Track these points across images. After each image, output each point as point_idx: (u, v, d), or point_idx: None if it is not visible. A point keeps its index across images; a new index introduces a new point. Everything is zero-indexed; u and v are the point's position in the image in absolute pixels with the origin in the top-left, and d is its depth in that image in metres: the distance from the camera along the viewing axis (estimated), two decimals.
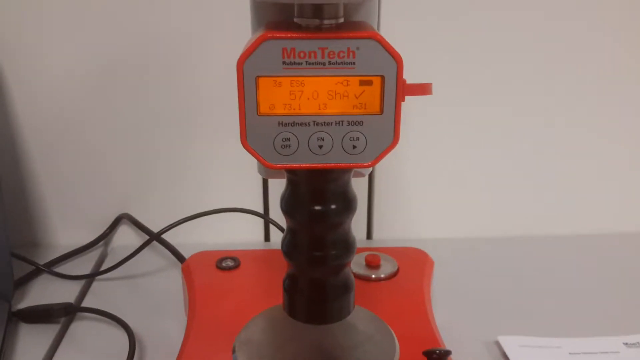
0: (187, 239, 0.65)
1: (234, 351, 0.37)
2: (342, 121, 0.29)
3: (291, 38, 0.28)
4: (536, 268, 0.67)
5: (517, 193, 0.72)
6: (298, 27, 0.29)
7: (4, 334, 0.52)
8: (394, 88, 0.29)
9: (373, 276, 0.51)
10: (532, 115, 0.68)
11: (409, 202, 0.70)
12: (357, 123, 0.29)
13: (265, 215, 0.65)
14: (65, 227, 0.69)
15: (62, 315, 0.55)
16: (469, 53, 0.64)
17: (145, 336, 0.53)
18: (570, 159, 0.71)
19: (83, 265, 0.66)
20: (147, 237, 0.63)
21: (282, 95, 0.29)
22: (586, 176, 0.72)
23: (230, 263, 0.53)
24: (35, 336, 0.53)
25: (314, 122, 0.29)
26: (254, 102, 0.29)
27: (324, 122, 0.29)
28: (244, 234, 0.69)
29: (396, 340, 0.37)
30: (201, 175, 0.68)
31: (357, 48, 0.28)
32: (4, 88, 0.64)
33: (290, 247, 0.34)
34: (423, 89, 0.30)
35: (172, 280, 0.63)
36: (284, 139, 0.30)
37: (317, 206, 0.32)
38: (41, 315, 0.55)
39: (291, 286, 0.34)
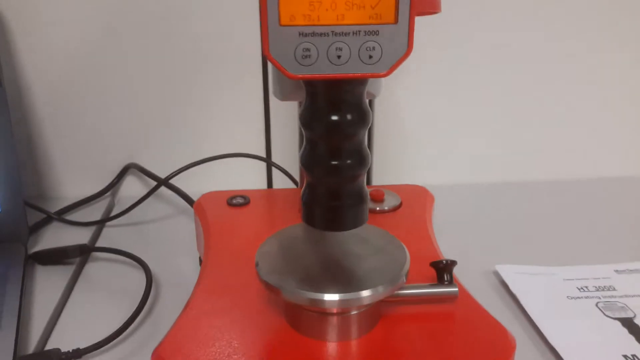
0: (193, 186, 0.68)
1: (257, 264, 0.39)
2: (359, 31, 0.31)
3: None
4: (531, 208, 0.70)
5: (510, 140, 0.74)
6: None
7: (22, 274, 0.54)
8: None
9: (377, 208, 0.54)
10: (525, 70, 0.70)
11: (405, 150, 0.73)
12: (373, 33, 0.31)
13: (268, 159, 0.67)
14: (73, 178, 0.71)
15: (77, 255, 0.57)
16: None
17: (159, 273, 0.55)
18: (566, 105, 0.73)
19: (92, 213, 0.68)
20: (154, 185, 0.65)
21: (302, 6, 0.31)
22: (579, 123, 0.74)
23: (240, 200, 0.55)
24: (51, 277, 0.55)
25: (332, 32, 0.31)
26: (276, 13, 0.31)
27: (342, 32, 0.31)
28: (248, 180, 0.71)
29: (407, 252, 0.39)
30: (205, 123, 0.69)
31: None
32: (10, 41, 0.65)
33: (308, 158, 0.36)
34: (433, 5, 0.32)
35: (182, 223, 0.65)
36: (304, 49, 0.32)
37: (334, 116, 0.34)
38: (57, 255, 0.57)
39: (310, 196, 0.36)
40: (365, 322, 0.39)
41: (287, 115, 0.69)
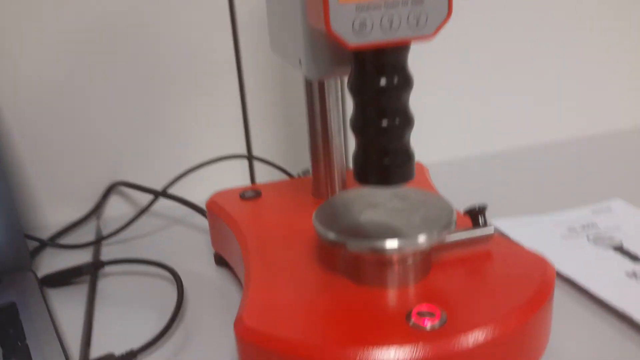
0: (184, 194, 0.68)
1: (317, 227, 0.42)
2: (407, 2, 0.35)
3: None
4: (511, 172, 0.77)
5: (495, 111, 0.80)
6: None
7: (43, 297, 0.53)
8: None
9: None
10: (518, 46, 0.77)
11: None
12: (418, 2, 0.35)
13: (251, 156, 0.69)
14: (55, 205, 0.70)
15: (90, 271, 0.57)
16: None
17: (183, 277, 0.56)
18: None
19: (82, 237, 0.67)
20: (139, 208, 0.65)
21: None
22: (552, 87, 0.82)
23: (252, 194, 0.57)
24: (67, 297, 0.55)
25: (384, 3, 0.35)
26: None
27: (392, 3, 0.35)
28: (235, 179, 0.72)
29: (448, 201, 0.44)
30: (186, 131, 0.70)
31: None
32: None
33: (359, 121, 0.39)
34: None
35: (181, 230, 0.66)
36: (360, 22, 0.35)
37: (383, 80, 0.37)
38: (69, 276, 0.57)
39: (362, 156, 0.40)
40: (422, 267, 0.42)
41: (265, 114, 0.71)
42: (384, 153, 0.39)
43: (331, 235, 0.41)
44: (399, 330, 0.37)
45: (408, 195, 0.46)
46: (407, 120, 0.39)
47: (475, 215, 0.45)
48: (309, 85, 0.52)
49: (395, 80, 0.38)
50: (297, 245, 0.48)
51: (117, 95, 0.67)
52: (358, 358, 0.35)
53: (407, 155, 0.40)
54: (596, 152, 0.81)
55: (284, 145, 0.73)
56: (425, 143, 0.79)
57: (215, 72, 0.69)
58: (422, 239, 0.40)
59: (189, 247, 0.62)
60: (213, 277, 0.56)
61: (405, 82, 0.38)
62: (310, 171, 0.64)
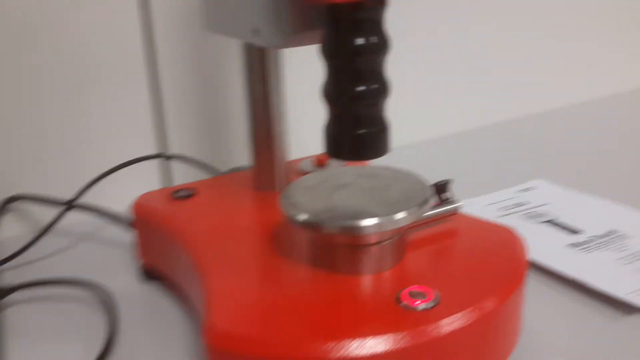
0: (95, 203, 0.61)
1: (286, 210, 0.38)
2: None
3: None
4: (439, 161, 0.77)
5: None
6: None
7: None
8: None
9: None
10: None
11: None
12: None
13: (167, 154, 0.63)
14: None
15: None
16: None
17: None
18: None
19: None
20: (40, 225, 0.57)
21: None
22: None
23: (186, 193, 0.52)
24: None
25: None
26: None
27: None
28: (152, 186, 0.66)
29: (421, 177, 0.42)
30: (91, 138, 0.63)
31: None
32: None
33: (332, 88, 0.36)
34: None
35: (99, 244, 0.59)
36: None
37: (359, 40, 0.35)
38: None
39: (335, 127, 0.36)
40: (400, 248, 0.40)
41: (183, 110, 0.66)
42: (359, 122, 0.36)
43: (306, 217, 0.37)
44: (391, 314, 0.34)
45: (375, 173, 0.43)
46: (384, 86, 0.37)
47: (441, 190, 0.44)
48: (248, 68, 0.48)
49: (374, 39, 0.35)
50: (253, 240, 0.44)
51: (7, 97, 0.58)
52: (356, 348, 0.32)
53: (383, 124, 0.37)
54: (512, 136, 0.84)
55: (205, 142, 0.68)
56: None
57: (124, 65, 0.62)
58: (403, 215, 0.37)
59: (107, 263, 0.55)
60: (143, 294, 0.50)
61: (384, 42, 0.36)
62: (243, 168, 0.60)
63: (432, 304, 0.34)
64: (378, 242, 0.38)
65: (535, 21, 0.89)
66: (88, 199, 0.61)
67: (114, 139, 0.63)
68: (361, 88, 0.36)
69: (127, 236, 0.59)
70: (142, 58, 0.62)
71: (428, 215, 0.43)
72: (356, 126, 0.37)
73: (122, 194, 0.64)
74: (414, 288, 0.35)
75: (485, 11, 0.84)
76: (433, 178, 0.46)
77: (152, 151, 0.65)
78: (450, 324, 0.33)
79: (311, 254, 0.40)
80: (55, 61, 0.59)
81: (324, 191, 0.41)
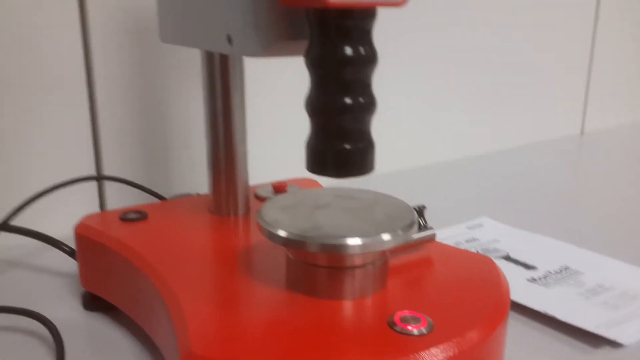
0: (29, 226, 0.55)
1: (264, 227, 0.35)
2: None
3: None
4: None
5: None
6: None
7: None
8: None
9: None
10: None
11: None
12: None
13: (101, 176, 0.59)
14: None
15: None
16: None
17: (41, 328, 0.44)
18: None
19: None
20: None
21: None
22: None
23: (136, 215, 0.48)
24: None
25: None
26: None
27: None
28: (84, 210, 0.61)
29: (403, 201, 0.40)
30: (23, 157, 0.58)
31: None
32: None
33: (318, 99, 0.34)
34: None
35: (29, 271, 0.53)
36: None
37: (348, 49, 0.33)
38: None
39: (319, 141, 0.34)
40: (384, 272, 0.38)
41: (121, 130, 0.62)
42: (345, 136, 0.35)
43: (289, 234, 0.35)
44: (386, 340, 0.32)
45: (354, 195, 0.41)
46: (371, 100, 0.35)
47: (419, 215, 0.43)
48: (209, 83, 0.46)
49: (362, 50, 0.34)
50: (219, 263, 0.40)
51: None
52: None
53: (369, 140, 0.36)
54: (461, 174, 0.85)
55: (144, 166, 0.63)
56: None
57: (60, 81, 0.58)
58: (390, 237, 0.35)
59: (46, 291, 0.49)
60: (88, 324, 0.45)
61: (373, 54, 0.35)
62: (189, 195, 0.56)
63: (426, 330, 0.32)
64: (362, 265, 0.36)
65: (486, 67, 0.93)
66: (20, 221, 0.55)
67: (50, 160, 0.58)
68: (348, 100, 0.34)
69: (64, 263, 0.54)
70: (82, 76, 0.58)
71: (411, 239, 0.41)
72: (342, 141, 0.35)
73: (55, 216, 0.58)
74: (405, 313, 0.33)
75: (444, 56, 0.86)
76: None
77: (86, 173, 0.60)
78: (448, 349, 0.31)
79: (289, 276, 0.37)
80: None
81: (303, 210, 0.38)
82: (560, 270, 0.55)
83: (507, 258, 0.58)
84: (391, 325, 0.33)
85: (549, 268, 0.56)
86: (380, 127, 0.82)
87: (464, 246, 0.60)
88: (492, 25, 0.91)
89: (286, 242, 0.35)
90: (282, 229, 0.35)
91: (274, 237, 0.35)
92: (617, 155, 1.00)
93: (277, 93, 0.71)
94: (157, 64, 0.62)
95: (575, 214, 0.72)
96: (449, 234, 0.64)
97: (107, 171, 0.60)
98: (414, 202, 0.74)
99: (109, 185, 0.61)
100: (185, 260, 0.40)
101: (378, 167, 0.84)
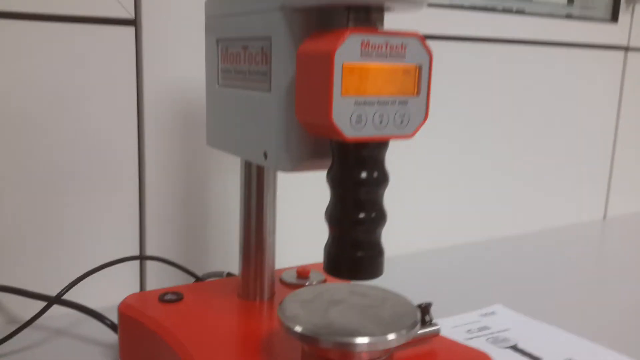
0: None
1: (285, 322, 0.40)
2: (395, 101, 0.38)
3: (368, 33, 0.36)
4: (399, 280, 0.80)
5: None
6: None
7: None
8: (427, 76, 0.39)
9: (307, 283, 0.57)
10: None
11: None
12: (403, 103, 0.38)
13: (144, 256, 0.65)
14: None
15: None
16: None
17: None
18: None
19: None
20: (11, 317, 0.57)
21: (355, 81, 0.36)
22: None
23: (173, 296, 0.53)
24: None
25: (377, 102, 0.37)
26: (339, 85, 0.36)
27: (384, 102, 0.38)
28: (126, 286, 0.67)
29: (408, 298, 0.45)
30: (73, 235, 0.64)
31: (407, 44, 0.38)
32: None
33: (336, 212, 0.39)
34: None
35: (74, 340, 0.58)
36: (357, 116, 0.37)
37: (363, 174, 0.39)
38: None
39: (336, 248, 0.40)
40: None
41: (166, 214, 0.68)
42: (358, 246, 0.40)
43: (304, 330, 0.40)
44: None
45: (366, 292, 0.46)
46: (382, 215, 0.40)
47: (423, 312, 0.47)
48: (246, 184, 0.52)
49: (375, 174, 0.40)
50: (244, 348, 0.45)
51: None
52: None
53: (379, 249, 0.41)
54: (480, 258, 0.89)
55: (183, 247, 0.69)
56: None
57: (115, 170, 0.65)
58: (395, 337, 0.40)
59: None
60: None
61: (384, 177, 0.40)
62: (220, 274, 0.62)
63: None
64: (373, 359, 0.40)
65: (507, 149, 0.97)
66: (70, 294, 0.61)
67: (100, 240, 0.65)
68: (362, 215, 0.39)
69: (105, 334, 0.59)
70: (134, 165, 0.65)
71: (415, 336, 0.45)
72: (355, 249, 0.40)
73: (101, 290, 0.65)
74: None
75: (465, 138, 0.92)
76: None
77: (131, 253, 0.66)
78: None
79: None
80: (51, 160, 0.61)
81: (319, 306, 0.43)
82: None
83: (515, 348, 0.61)
84: None
85: None
86: (399, 207, 0.87)
87: (475, 334, 0.64)
88: (515, 107, 0.97)
89: (302, 337, 0.40)
90: (299, 325, 0.40)
91: (291, 333, 0.40)
92: (639, 241, 1.03)
93: (308, 183, 0.77)
94: (203, 160, 0.69)
95: (592, 304, 0.74)
96: (462, 321, 0.67)
97: (149, 252, 0.66)
98: (429, 286, 0.78)
99: (149, 265, 0.67)
100: (214, 343, 0.45)
101: (399, 249, 0.89)
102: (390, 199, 0.84)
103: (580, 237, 1.04)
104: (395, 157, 0.84)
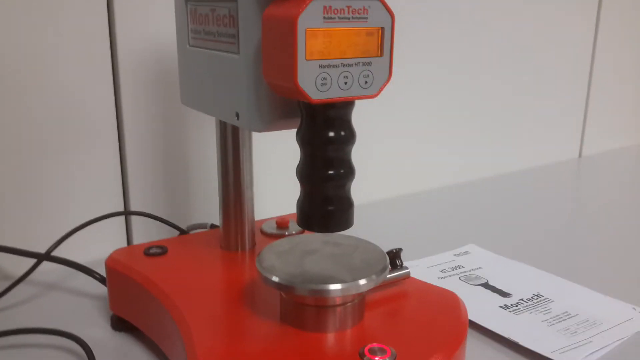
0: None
1: (262, 271, 0.43)
2: (359, 62, 0.40)
3: None
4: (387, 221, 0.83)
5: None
6: None
7: None
8: (390, 37, 0.40)
9: (286, 233, 0.60)
10: None
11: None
12: (367, 64, 0.40)
13: (129, 211, 0.67)
14: None
15: None
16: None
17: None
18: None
19: None
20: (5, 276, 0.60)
21: (319, 44, 0.38)
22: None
23: (158, 250, 0.56)
24: None
25: (341, 64, 0.39)
26: (304, 50, 0.37)
27: (348, 64, 0.39)
28: (114, 240, 0.69)
29: (378, 246, 0.48)
30: (59, 192, 0.66)
31: (369, 6, 0.39)
32: None
33: (307, 170, 0.42)
34: None
35: (65, 293, 0.61)
36: (322, 79, 0.38)
37: (331, 132, 0.41)
38: None
39: (308, 203, 0.42)
40: (360, 309, 0.45)
41: (146, 169, 0.70)
42: (329, 200, 0.42)
43: (280, 280, 0.42)
44: None
45: (338, 241, 0.49)
46: (350, 170, 0.43)
47: (394, 257, 0.50)
48: (222, 139, 0.54)
49: (343, 133, 0.41)
50: (226, 297, 0.48)
51: None
52: None
53: (349, 203, 0.43)
54: (456, 200, 0.92)
55: (166, 201, 0.72)
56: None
57: (93, 127, 0.66)
58: (365, 282, 0.43)
59: (78, 313, 0.58)
60: (115, 342, 0.53)
61: (351, 135, 0.42)
62: (203, 225, 0.64)
63: (390, 359, 0.40)
64: (342, 304, 0.43)
65: (481, 92, 0.99)
66: (59, 251, 0.64)
67: (85, 198, 0.67)
68: (331, 172, 0.42)
69: (95, 287, 0.62)
70: (113, 124, 0.67)
71: (385, 280, 0.48)
72: (326, 204, 0.42)
73: (89, 245, 0.67)
74: (374, 345, 0.41)
75: (437, 80, 0.93)
76: (376, 238, 0.52)
77: (115, 208, 0.69)
78: None
79: (282, 313, 0.45)
80: (30, 119, 0.63)
81: (294, 256, 0.46)
82: (532, 298, 0.62)
83: (486, 285, 0.65)
84: (361, 356, 0.40)
85: (522, 296, 0.63)
86: (371, 155, 0.89)
87: (448, 273, 0.68)
88: (489, 48, 0.98)
89: (279, 286, 0.42)
90: (276, 275, 0.43)
91: (269, 282, 0.43)
92: (614, 178, 1.06)
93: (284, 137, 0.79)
94: (180, 114, 0.70)
95: (563, 240, 0.78)
96: (436, 261, 0.71)
97: (133, 207, 0.69)
98: (407, 230, 0.81)
99: (135, 218, 0.69)
100: (198, 294, 0.48)
101: (378, 194, 0.91)
102: (361, 146, 0.86)
103: (556, 176, 1.07)
104: (363, 105, 0.86)
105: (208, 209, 0.75)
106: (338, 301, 0.43)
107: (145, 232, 0.71)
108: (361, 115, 0.85)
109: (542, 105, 1.09)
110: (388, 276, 0.49)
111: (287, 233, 0.60)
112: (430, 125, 0.95)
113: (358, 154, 0.86)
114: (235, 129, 0.53)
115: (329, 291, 0.42)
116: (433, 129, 0.95)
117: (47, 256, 0.59)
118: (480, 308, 0.59)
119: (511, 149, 1.07)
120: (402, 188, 0.94)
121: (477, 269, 0.69)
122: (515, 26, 1.00)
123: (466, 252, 0.74)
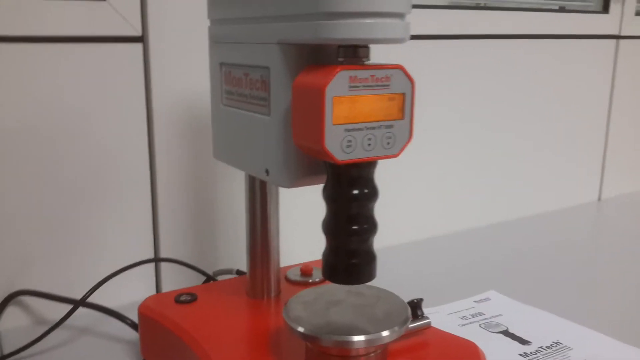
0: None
1: (289, 322, 0.45)
2: (381, 125, 0.42)
3: (355, 69, 0.40)
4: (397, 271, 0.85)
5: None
6: (341, 64, 0.42)
7: None
8: (410, 101, 0.43)
9: (310, 280, 0.62)
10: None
11: None
12: (390, 127, 0.43)
13: (159, 258, 0.70)
14: None
15: None
16: None
17: None
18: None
19: None
20: (38, 319, 0.62)
21: (345, 110, 0.41)
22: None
23: (188, 297, 0.58)
24: None
25: (365, 127, 0.42)
26: (331, 115, 0.40)
27: (371, 127, 0.42)
28: (141, 286, 0.72)
29: (399, 296, 0.50)
30: (92, 239, 0.69)
31: (391, 75, 0.42)
32: None
33: (331, 225, 0.44)
34: None
35: (98, 339, 0.64)
36: (347, 141, 0.41)
37: (354, 191, 0.43)
38: None
39: (332, 256, 0.44)
40: (382, 359, 0.47)
41: (177, 217, 0.73)
42: (352, 254, 0.45)
43: (306, 331, 0.44)
44: None
45: (362, 291, 0.51)
46: (373, 225, 0.45)
47: (415, 307, 0.52)
48: (251, 193, 0.56)
49: (365, 190, 0.44)
50: (254, 344, 0.50)
51: (17, 198, 0.65)
52: None
53: (372, 256, 0.45)
54: (476, 244, 0.93)
55: (194, 248, 0.75)
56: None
57: (128, 177, 0.70)
58: (388, 333, 0.45)
59: (108, 358, 0.60)
60: None
61: (374, 192, 0.45)
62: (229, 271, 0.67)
63: None
64: (365, 354, 0.45)
65: (501, 134, 1.01)
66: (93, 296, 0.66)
67: (117, 247, 0.70)
68: (354, 227, 0.44)
69: (127, 333, 0.64)
70: (146, 175, 0.70)
71: (409, 329, 0.50)
72: (350, 257, 0.45)
73: (118, 291, 0.70)
74: None
75: (457, 123, 0.96)
76: (397, 283, 0.54)
77: (146, 254, 0.71)
78: None
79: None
80: (70, 173, 0.66)
81: (319, 307, 0.48)
82: (551, 346, 0.63)
83: (506, 333, 0.66)
84: None
85: (542, 343, 0.64)
86: (394, 200, 0.91)
87: (469, 320, 0.69)
88: (510, 98, 1.00)
89: (305, 337, 0.44)
90: (302, 326, 0.45)
91: (296, 333, 0.45)
92: (634, 221, 1.07)
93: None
94: (211, 165, 0.74)
95: (584, 286, 0.79)
96: (456, 308, 0.72)
97: (163, 253, 0.72)
98: (427, 275, 0.83)
99: (164, 264, 0.72)
100: (227, 341, 0.51)
101: (397, 238, 0.93)
102: (386, 190, 0.89)
103: (575, 220, 1.08)
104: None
105: (233, 254, 0.78)
106: (361, 352, 0.45)
107: (174, 277, 0.73)
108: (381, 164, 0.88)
109: (561, 148, 1.10)
110: (410, 326, 0.51)
111: (310, 280, 0.62)
112: (449, 171, 0.97)
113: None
114: (263, 183, 0.56)
115: (352, 342, 0.44)
116: (452, 174, 0.97)
117: (83, 302, 0.61)
118: (500, 357, 0.61)
119: (530, 193, 1.08)
120: (420, 233, 0.96)
121: (498, 315, 0.70)
122: (536, 75, 1.03)
123: (486, 299, 0.75)
